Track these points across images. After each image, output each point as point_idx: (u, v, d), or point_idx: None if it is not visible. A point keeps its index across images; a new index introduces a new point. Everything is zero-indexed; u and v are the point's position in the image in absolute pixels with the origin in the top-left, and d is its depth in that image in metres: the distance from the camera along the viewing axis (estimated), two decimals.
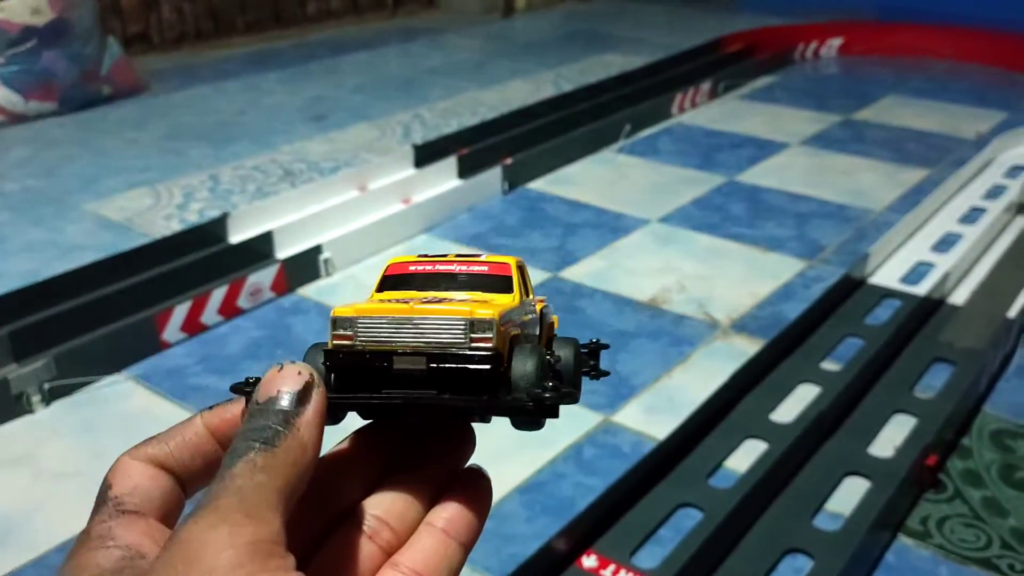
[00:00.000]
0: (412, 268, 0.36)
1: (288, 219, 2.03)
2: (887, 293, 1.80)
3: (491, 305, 0.32)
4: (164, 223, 2.16)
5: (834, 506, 1.25)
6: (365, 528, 0.31)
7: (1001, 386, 1.54)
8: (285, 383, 0.28)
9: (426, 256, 0.37)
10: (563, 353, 0.35)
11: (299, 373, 0.28)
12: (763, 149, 2.68)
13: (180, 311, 1.67)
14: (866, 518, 1.17)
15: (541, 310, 0.38)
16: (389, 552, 0.31)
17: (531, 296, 0.37)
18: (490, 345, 0.30)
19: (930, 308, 1.73)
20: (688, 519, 1.23)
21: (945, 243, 2.03)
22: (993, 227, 2.02)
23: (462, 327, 0.30)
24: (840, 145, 2.71)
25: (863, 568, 1.14)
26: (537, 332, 0.37)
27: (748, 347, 1.64)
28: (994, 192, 2.30)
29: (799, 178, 2.46)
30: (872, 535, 1.15)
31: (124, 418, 1.46)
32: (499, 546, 1.19)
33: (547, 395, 0.30)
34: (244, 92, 3.25)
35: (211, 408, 0.31)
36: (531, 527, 1.22)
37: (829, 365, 1.57)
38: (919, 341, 1.64)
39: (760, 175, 2.49)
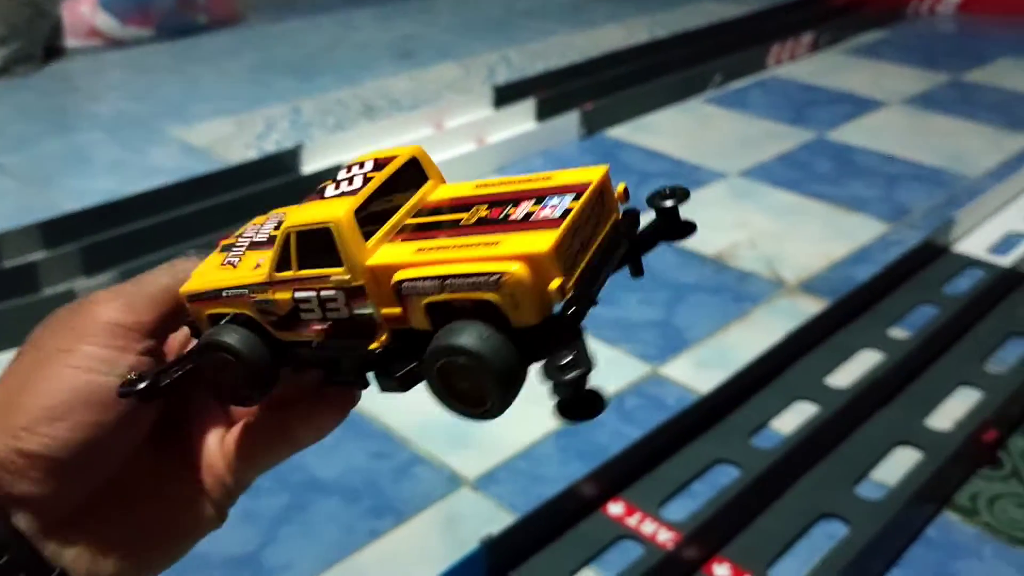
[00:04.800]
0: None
1: (362, 151, 2.04)
2: (970, 262, 1.71)
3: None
4: (243, 151, 2.20)
5: (880, 475, 1.20)
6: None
7: None
8: None
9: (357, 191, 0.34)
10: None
11: None
12: (860, 106, 2.56)
13: None
14: (910, 489, 1.12)
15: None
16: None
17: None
18: None
19: (1014, 280, 1.63)
20: (724, 476, 1.20)
21: None
22: None
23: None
24: (944, 106, 2.56)
25: (900, 539, 1.09)
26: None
27: (813, 308, 1.58)
28: None
29: (895, 138, 2.34)
30: (914, 507, 1.10)
31: None
32: (527, 486, 1.18)
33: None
34: (336, 27, 3.26)
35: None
36: (562, 470, 1.21)
37: (897, 332, 1.50)
38: (997, 314, 1.54)
39: (853, 133, 2.38)
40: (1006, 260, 1.69)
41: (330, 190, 0.33)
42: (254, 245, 0.37)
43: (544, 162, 2.16)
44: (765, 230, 1.86)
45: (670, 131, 2.37)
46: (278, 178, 1.92)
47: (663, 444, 1.23)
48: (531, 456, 1.24)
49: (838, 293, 1.61)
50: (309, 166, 2.00)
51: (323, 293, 0.31)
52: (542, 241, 0.28)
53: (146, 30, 2.96)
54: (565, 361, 0.27)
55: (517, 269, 0.27)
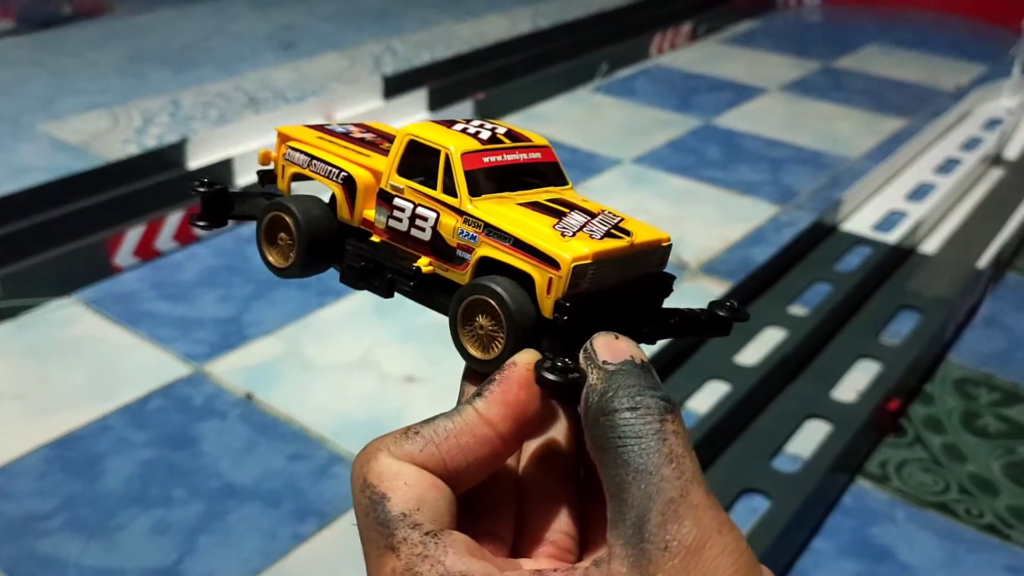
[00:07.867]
0: (487, 161, 0.34)
1: (250, 146, 1.97)
2: (858, 240, 1.78)
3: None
4: (121, 147, 2.09)
5: (794, 448, 1.24)
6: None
7: (967, 335, 1.53)
8: (632, 351, 0.27)
9: (483, 141, 0.34)
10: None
11: (632, 346, 0.27)
12: (741, 93, 2.63)
13: (133, 235, 1.61)
14: (824, 460, 1.16)
15: None
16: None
17: None
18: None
19: (900, 256, 1.71)
20: None
21: (919, 192, 2.00)
22: (967, 178, 2.00)
23: (662, 250, 0.33)
24: (819, 92, 2.67)
25: (820, 509, 1.12)
26: None
27: (716, 289, 1.61)
28: (970, 144, 2.27)
29: (776, 123, 2.42)
30: (830, 477, 1.14)
31: (71, 341, 1.41)
32: None
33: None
34: (210, 17, 3.14)
35: (481, 396, 0.27)
36: None
37: (796, 309, 1.55)
38: (888, 288, 1.62)
39: (737, 119, 2.44)
40: (891, 237, 1.77)
41: (458, 126, 0.35)
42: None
43: None
44: (663, 214, 1.90)
45: (562, 119, 2.38)
46: (163, 174, 1.83)
47: None
48: None
49: (738, 274, 1.65)
50: (195, 160, 1.92)
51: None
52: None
53: (6, 22, 2.77)
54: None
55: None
